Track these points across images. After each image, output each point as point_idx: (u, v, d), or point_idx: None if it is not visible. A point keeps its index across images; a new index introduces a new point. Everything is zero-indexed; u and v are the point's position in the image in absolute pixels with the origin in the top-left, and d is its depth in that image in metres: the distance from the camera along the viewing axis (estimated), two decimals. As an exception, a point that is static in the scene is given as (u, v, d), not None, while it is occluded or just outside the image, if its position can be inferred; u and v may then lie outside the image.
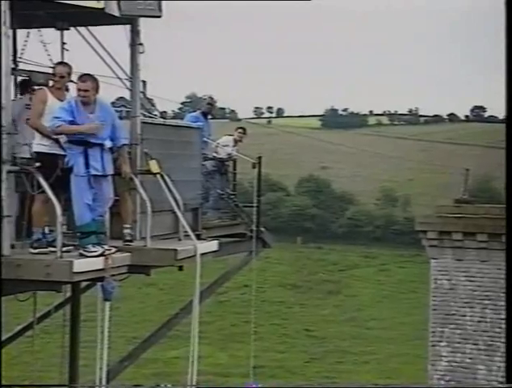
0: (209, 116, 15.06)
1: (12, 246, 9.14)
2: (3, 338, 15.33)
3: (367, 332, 51.91)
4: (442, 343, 16.78)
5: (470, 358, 16.52)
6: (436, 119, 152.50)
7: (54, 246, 9.00)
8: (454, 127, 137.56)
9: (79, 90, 9.38)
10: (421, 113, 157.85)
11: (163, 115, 13.09)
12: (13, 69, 10.78)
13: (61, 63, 10.38)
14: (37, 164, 9.20)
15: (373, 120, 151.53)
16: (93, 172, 9.31)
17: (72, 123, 9.25)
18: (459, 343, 16.67)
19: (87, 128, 9.26)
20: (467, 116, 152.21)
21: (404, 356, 44.81)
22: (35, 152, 9.45)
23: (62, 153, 9.36)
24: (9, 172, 8.97)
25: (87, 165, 9.28)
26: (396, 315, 55.50)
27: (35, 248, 9.23)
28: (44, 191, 9.04)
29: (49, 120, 9.38)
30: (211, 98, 15.07)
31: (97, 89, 9.54)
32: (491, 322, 16.35)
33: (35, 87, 10.31)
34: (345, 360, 45.20)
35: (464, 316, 16.64)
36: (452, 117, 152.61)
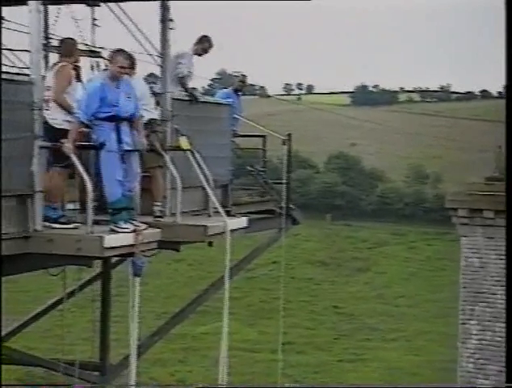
0: (240, 93, 15.06)
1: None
2: (35, 312, 15.57)
3: (395, 309, 51.88)
4: (473, 322, 16.71)
5: (500, 336, 16.45)
6: (468, 95, 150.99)
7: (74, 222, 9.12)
8: (486, 103, 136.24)
9: (122, 67, 9.37)
10: (452, 90, 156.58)
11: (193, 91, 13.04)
12: (44, 45, 10.82)
13: (71, 38, 10.39)
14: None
15: (404, 96, 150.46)
16: (125, 147, 9.34)
17: (103, 100, 9.25)
18: (489, 321, 16.59)
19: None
20: (500, 93, 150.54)
21: (431, 333, 44.78)
22: (61, 129, 9.42)
23: (85, 129, 9.40)
24: (41, 148, 9.00)
25: (119, 140, 9.30)
26: (424, 293, 55.39)
27: (57, 223, 9.28)
28: (66, 167, 9.12)
29: (73, 100, 9.46)
30: (244, 75, 15.07)
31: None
32: (522, 300, 16.25)
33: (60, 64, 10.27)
34: (373, 337, 45.24)
35: (495, 294, 16.54)
36: (485, 94, 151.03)
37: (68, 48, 9.98)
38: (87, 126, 9.34)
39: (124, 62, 9.35)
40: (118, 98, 9.31)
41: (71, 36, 10.82)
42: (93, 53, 12.13)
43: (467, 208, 16.79)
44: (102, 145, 9.23)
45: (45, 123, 9.16)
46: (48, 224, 9.14)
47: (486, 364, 16.61)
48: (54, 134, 9.22)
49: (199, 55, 12.59)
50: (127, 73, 9.48)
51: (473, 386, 16.30)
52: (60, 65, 9.73)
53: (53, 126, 9.39)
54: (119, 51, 9.47)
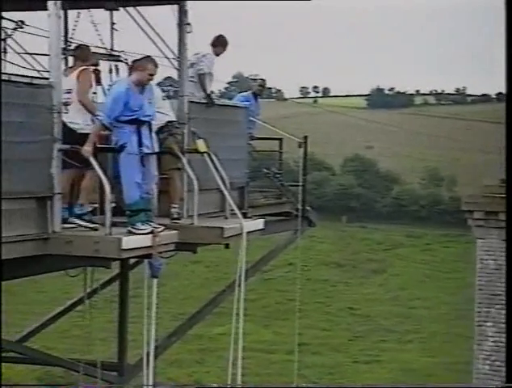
0: (259, 97, 15.16)
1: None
2: (54, 313, 15.71)
3: (410, 311, 51.80)
4: (488, 323, 16.73)
5: (516, 338, 16.45)
6: (484, 98, 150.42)
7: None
8: (502, 106, 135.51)
9: (151, 74, 9.56)
10: (468, 92, 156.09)
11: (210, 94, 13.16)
12: (64, 49, 10.97)
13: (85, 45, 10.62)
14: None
15: (419, 99, 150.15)
16: (145, 150, 9.47)
17: (126, 105, 9.38)
18: (505, 323, 16.60)
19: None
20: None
21: (447, 335, 44.68)
22: (83, 133, 9.55)
23: (103, 132, 9.53)
24: (59, 150, 9.12)
25: (140, 143, 9.43)
26: (439, 295, 55.26)
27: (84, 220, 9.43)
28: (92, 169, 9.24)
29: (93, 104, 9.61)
30: (263, 79, 15.18)
31: None
32: (538, 302, 16.24)
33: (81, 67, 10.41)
34: (388, 339, 45.20)
35: (510, 296, 16.55)
36: (500, 96, 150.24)
37: (84, 54, 10.19)
38: (107, 129, 9.48)
39: (154, 70, 9.54)
40: (141, 104, 9.45)
41: (90, 40, 11.02)
42: (112, 57, 12.27)
43: (482, 211, 16.82)
44: (122, 148, 9.36)
45: (64, 126, 9.29)
46: (72, 220, 9.29)
47: (502, 366, 16.61)
48: (74, 138, 9.33)
49: (217, 55, 12.68)
50: (152, 80, 9.69)
51: (475, 386, 16.29)
52: (81, 68, 9.89)
53: (72, 129, 9.51)
54: (149, 58, 9.63)
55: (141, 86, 9.52)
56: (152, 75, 9.57)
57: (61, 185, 9.17)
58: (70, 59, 11.59)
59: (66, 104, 9.47)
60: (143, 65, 9.53)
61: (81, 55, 10.16)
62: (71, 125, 9.49)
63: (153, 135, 9.70)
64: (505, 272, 16.61)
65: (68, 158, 9.21)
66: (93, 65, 10.39)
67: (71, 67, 10.27)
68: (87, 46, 10.55)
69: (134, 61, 9.83)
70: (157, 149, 9.73)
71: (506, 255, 8.00)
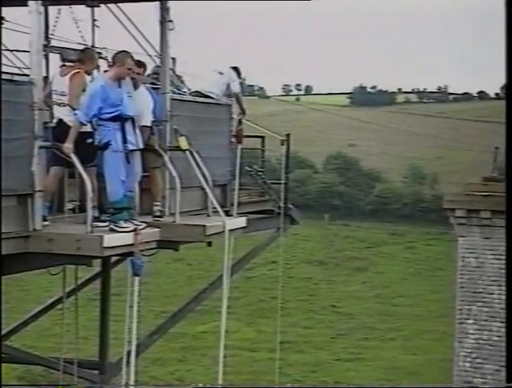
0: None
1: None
2: (35, 311, 15.64)
3: (393, 309, 51.95)
4: (470, 321, 16.78)
5: (497, 336, 16.52)
6: (466, 96, 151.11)
7: None
8: (483, 105, 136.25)
9: (129, 69, 9.59)
10: (450, 91, 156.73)
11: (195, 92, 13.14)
12: (45, 45, 10.90)
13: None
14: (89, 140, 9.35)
15: (402, 97, 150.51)
16: (130, 147, 9.42)
17: (105, 101, 9.33)
18: (486, 320, 16.66)
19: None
20: (497, 94, 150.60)
21: (430, 332, 44.84)
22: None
23: (88, 130, 9.50)
24: (40, 147, 9.07)
25: (125, 140, 9.38)
26: (422, 292, 55.46)
27: None
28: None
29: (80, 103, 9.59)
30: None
31: None
32: (519, 300, 16.30)
33: (67, 64, 10.37)
34: (371, 337, 45.30)
35: (492, 294, 16.61)
36: (482, 95, 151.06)
37: (87, 57, 10.14)
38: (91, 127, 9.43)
39: (132, 64, 9.53)
40: (121, 97, 9.41)
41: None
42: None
43: (464, 209, 16.86)
44: (107, 145, 9.30)
45: (63, 122, 9.32)
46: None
47: (483, 364, 16.67)
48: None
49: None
50: (133, 76, 9.66)
51: (474, 386, 16.36)
52: (74, 71, 9.86)
53: (69, 126, 9.50)
54: (126, 53, 9.60)
55: (118, 80, 9.48)
56: (130, 69, 9.55)
57: (47, 182, 9.14)
58: (51, 56, 11.56)
59: (62, 105, 9.53)
60: (121, 60, 9.50)
61: (83, 57, 10.11)
62: (69, 123, 9.47)
63: (137, 131, 9.66)
64: (489, 271, 16.72)
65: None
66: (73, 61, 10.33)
67: (67, 66, 10.18)
68: (92, 49, 10.50)
69: (113, 57, 9.78)
70: (141, 145, 9.70)
71: (506, 254, 8.01)
